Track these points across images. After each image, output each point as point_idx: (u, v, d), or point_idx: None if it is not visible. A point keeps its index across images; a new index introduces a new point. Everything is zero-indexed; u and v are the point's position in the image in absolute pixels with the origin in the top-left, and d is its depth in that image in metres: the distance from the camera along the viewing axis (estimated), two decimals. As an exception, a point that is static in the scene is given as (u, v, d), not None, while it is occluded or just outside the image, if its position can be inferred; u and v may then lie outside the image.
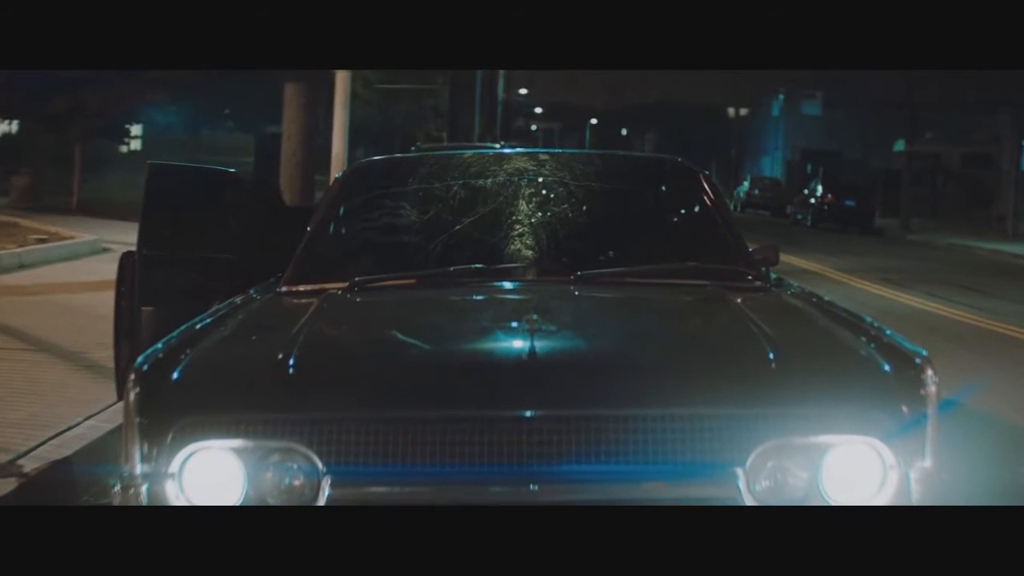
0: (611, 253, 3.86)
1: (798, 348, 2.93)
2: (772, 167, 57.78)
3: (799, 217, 36.34)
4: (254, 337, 3.22)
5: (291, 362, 2.77)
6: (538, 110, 79.60)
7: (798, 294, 3.83)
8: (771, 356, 2.78)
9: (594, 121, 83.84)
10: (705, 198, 4.18)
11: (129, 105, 22.20)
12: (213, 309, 3.53)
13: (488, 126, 48.58)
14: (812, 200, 35.15)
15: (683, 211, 4.29)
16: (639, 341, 3.07)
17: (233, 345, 3.09)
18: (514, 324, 3.04)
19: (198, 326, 3.25)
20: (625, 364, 2.81)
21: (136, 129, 35.45)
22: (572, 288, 3.53)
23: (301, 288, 3.66)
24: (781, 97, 59.12)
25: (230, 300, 3.68)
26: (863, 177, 40.22)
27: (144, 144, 36.44)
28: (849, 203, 33.76)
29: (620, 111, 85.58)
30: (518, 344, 2.84)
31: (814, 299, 3.71)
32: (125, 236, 16.54)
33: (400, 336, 3.16)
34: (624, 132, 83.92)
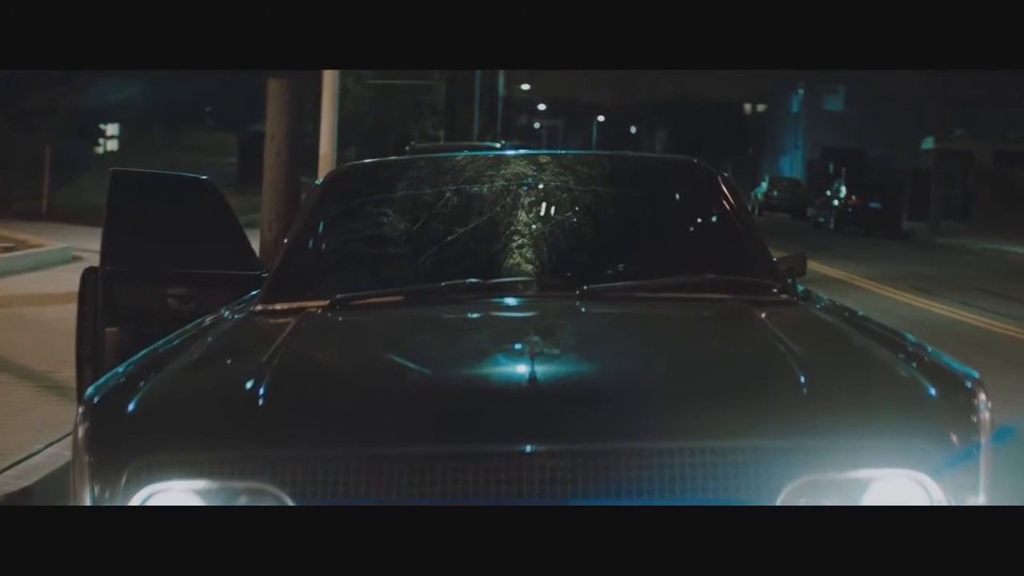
0: (621, 265, 3.75)
1: (832, 370, 2.81)
2: (791, 166, 57.88)
3: (821, 220, 36.37)
4: (222, 363, 3.11)
5: (261, 391, 2.65)
6: (541, 107, 79.88)
7: (829, 308, 3.71)
8: (802, 380, 2.67)
9: (601, 118, 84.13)
10: (724, 202, 4.06)
11: (104, 103, 22.13)
12: (179, 331, 3.41)
13: (488, 124, 48.66)
14: (835, 202, 35.18)
15: (700, 217, 4.17)
16: (653, 364, 2.94)
17: (198, 372, 2.97)
18: (513, 347, 2.92)
19: (160, 350, 3.13)
20: (638, 391, 2.68)
21: (112, 128, 35.58)
22: (578, 304, 3.42)
23: (277, 307, 3.55)
24: (801, 92, 59.21)
25: (198, 320, 3.56)
26: (889, 177, 40.21)
27: (121, 144, 36.55)
28: (874, 205, 33.76)
29: (629, 107, 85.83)
30: (518, 370, 2.72)
31: (847, 313, 3.59)
32: (97, 243, 16.49)
33: (385, 361, 3.05)
34: (633, 130, 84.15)
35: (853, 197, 34.25)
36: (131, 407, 2.64)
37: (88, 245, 16.01)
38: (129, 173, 4.62)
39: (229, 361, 3.12)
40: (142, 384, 2.76)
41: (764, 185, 46.47)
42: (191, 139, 34.22)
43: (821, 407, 2.56)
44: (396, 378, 2.84)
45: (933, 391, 2.67)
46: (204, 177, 4.78)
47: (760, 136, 61.42)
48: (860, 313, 3.61)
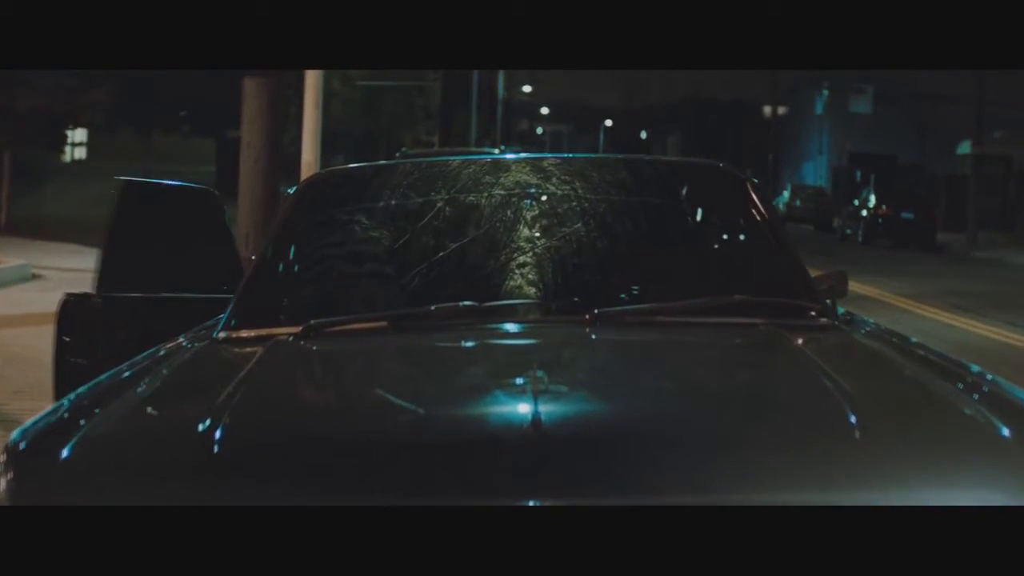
0: (637, 285, 3.57)
1: (887, 409, 2.64)
2: (815, 174, 58.02)
3: (848, 232, 36.49)
4: (174, 400, 2.93)
5: (217, 435, 2.47)
6: (544, 110, 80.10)
7: (876, 333, 3.54)
8: (853, 420, 2.49)
9: (609, 123, 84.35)
10: (754, 212, 3.89)
11: (69, 106, 22.03)
12: (129, 362, 3.25)
13: (487, 129, 48.76)
14: (863, 212, 35.29)
15: (727, 230, 3.99)
16: (677, 404, 2.73)
17: (145, 411, 2.79)
18: (513, 382, 2.75)
19: (104, 385, 2.96)
20: (660, 437, 2.48)
21: (80, 134, 35.52)
22: (588, 331, 3.24)
23: (243, 334, 3.40)
24: (825, 93, 59.27)
25: (153, 349, 3.39)
26: (922, 185, 40.35)
27: (90, 151, 36.50)
28: (906, 215, 33.91)
29: (639, 110, 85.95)
30: (518, 410, 2.54)
31: (897, 340, 3.42)
32: (61, 260, 16.42)
33: (365, 400, 2.86)
34: (644, 135, 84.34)
35: (883, 207, 34.39)
36: (64, 454, 2.45)
37: (50, 262, 15.96)
38: (139, 184, 4.47)
39: (183, 398, 2.94)
40: (79, 427, 2.58)
41: (786, 194, 46.57)
42: (165, 145, 34.24)
43: (876, 453, 2.38)
44: (375, 422, 2.65)
45: (1006, 431, 2.50)
46: (208, 188, 4.67)
47: (781, 141, 61.42)
48: (913, 340, 3.45)
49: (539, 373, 2.68)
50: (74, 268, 15.67)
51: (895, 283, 19.53)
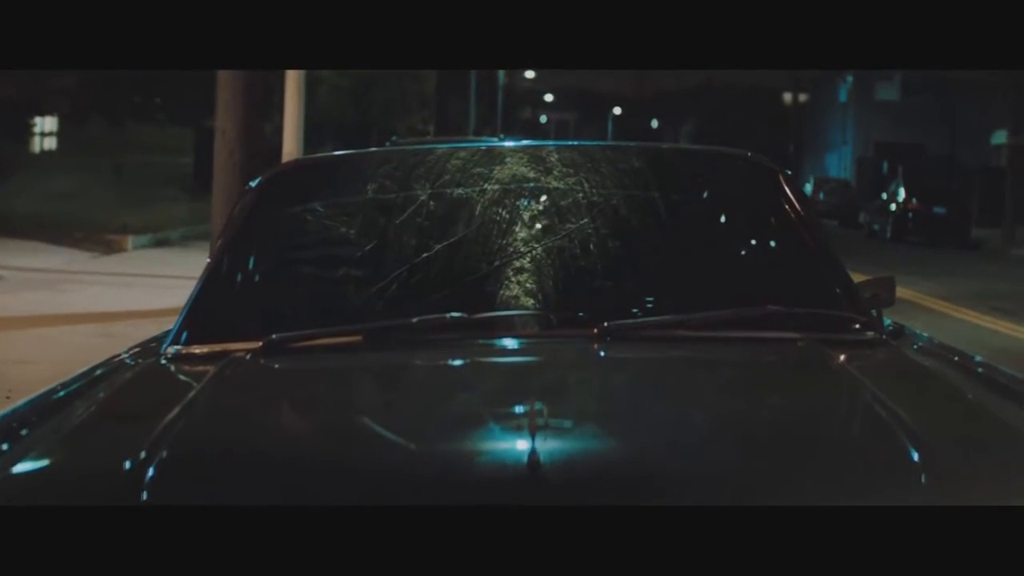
0: (653, 294, 3.34)
1: (955, 444, 2.42)
2: (839, 165, 58.13)
3: (875, 228, 36.67)
4: (104, 431, 2.70)
5: (148, 476, 2.24)
6: (548, 97, 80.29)
7: (931, 350, 3.34)
8: (915, 458, 2.30)
9: (618, 111, 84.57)
10: (788, 208, 3.68)
11: (36, 93, 21.98)
12: (61, 382, 3.04)
13: (487, 117, 48.77)
14: (892, 207, 35.40)
15: (757, 229, 3.75)
16: (702, 445, 2.47)
17: (68, 445, 2.55)
18: (509, 414, 2.55)
19: (24, 412, 2.75)
20: (682, 488, 2.23)
21: (50, 123, 35.54)
22: (596, 348, 3.03)
23: (194, 350, 3.19)
24: (850, 79, 59.24)
25: (91, 367, 3.18)
26: (954, 177, 40.30)
27: (60, 142, 36.53)
28: (938, 210, 34.08)
29: (650, 98, 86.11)
30: (513, 449, 2.33)
31: (957, 358, 3.20)
32: (24, 259, 16.24)
33: (331, 433, 2.62)
34: (655, 124, 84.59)
35: (913, 201, 34.53)
36: None
37: (15, 262, 15.77)
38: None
39: (115, 428, 2.71)
40: None
41: (808, 187, 46.60)
42: (140, 135, 34.26)
43: (946, 497, 2.19)
44: (342, 465, 2.40)
45: None
46: None
47: (802, 130, 61.58)
48: (976, 358, 3.22)
49: (538, 405, 2.49)
50: (38, 268, 15.52)
51: (929, 284, 19.51)
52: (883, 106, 56.85)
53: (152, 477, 2.22)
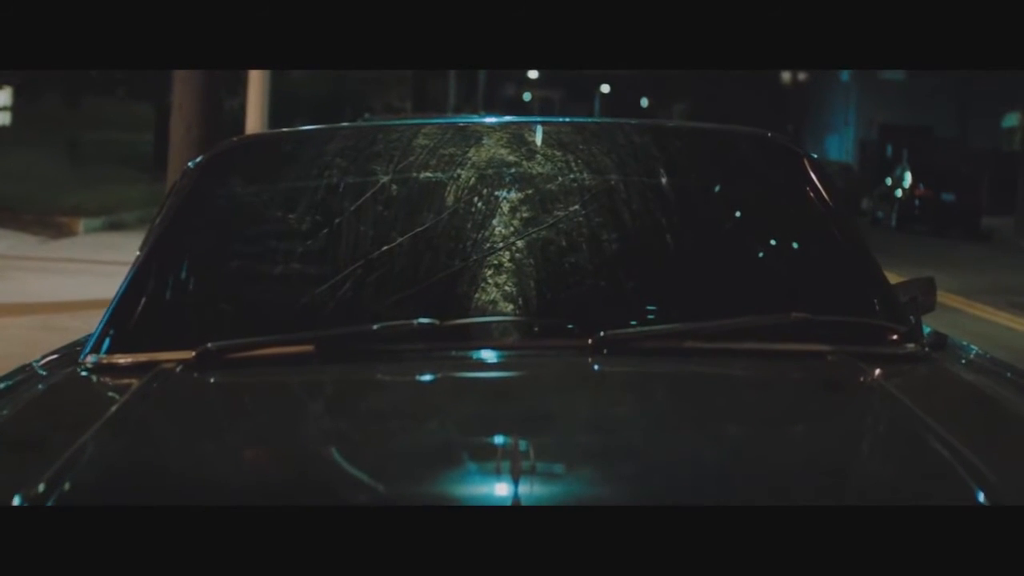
0: (657, 299, 3.11)
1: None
2: (841, 148, 58.33)
3: (880, 215, 36.82)
4: (3, 455, 2.52)
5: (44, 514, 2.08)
6: (533, 74, 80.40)
7: (980, 364, 3.17)
8: (981, 500, 2.13)
9: (606, 89, 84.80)
10: (814, 197, 3.45)
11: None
12: None
13: (468, 94, 48.83)
14: (897, 192, 35.53)
15: (778, 221, 3.50)
16: (716, 491, 2.21)
17: None
18: (487, 453, 2.30)
19: None
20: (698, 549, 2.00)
21: (2, 97, 35.37)
22: (590, 362, 2.81)
23: (117, 360, 2.99)
24: (852, 57, 59.46)
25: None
26: (963, 162, 40.44)
27: (13, 116, 36.37)
28: (947, 197, 34.18)
29: (640, 75, 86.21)
30: (495, 494, 2.11)
31: (1009, 374, 3.01)
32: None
33: (272, 466, 2.41)
34: (645, 103, 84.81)
35: (920, 187, 34.66)
36: None
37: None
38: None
39: (16, 453, 2.54)
40: None
41: (808, 171, 46.73)
42: (98, 111, 34.18)
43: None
44: (278, 507, 2.14)
45: None
46: None
47: (802, 111, 61.72)
48: None
49: (521, 445, 2.24)
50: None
51: (940, 276, 19.08)
52: (888, 86, 56.99)
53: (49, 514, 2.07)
